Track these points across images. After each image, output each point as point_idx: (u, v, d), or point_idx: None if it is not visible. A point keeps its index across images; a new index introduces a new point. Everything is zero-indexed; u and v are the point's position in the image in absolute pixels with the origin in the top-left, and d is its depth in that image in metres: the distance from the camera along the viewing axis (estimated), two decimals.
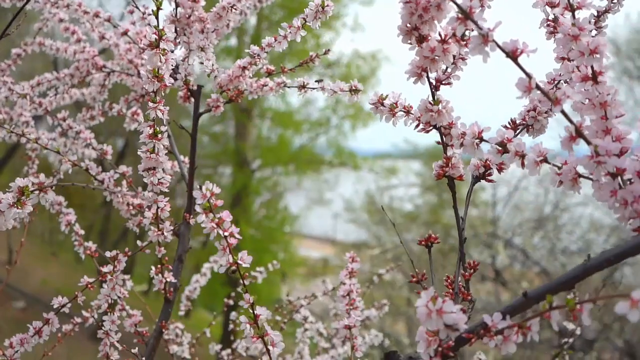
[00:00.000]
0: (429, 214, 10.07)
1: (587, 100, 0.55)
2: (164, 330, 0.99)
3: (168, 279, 0.97)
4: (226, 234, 0.62)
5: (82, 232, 1.09)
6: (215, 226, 0.62)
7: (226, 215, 0.63)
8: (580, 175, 0.54)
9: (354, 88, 0.85)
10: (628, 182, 0.52)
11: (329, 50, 1.00)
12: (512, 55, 0.50)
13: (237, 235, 0.63)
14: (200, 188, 0.61)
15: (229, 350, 1.34)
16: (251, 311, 0.65)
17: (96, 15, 1.09)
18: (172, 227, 0.90)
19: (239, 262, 0.63)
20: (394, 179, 10.95)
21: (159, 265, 0.96)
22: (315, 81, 0.96)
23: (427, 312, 0.49)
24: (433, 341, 0.53)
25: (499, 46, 0.50)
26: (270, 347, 0.64)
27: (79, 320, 1.13)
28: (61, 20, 1.19)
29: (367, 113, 12.21)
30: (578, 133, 0.52)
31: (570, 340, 1.17)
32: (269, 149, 11.66)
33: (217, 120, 11.76)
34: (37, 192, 0.67)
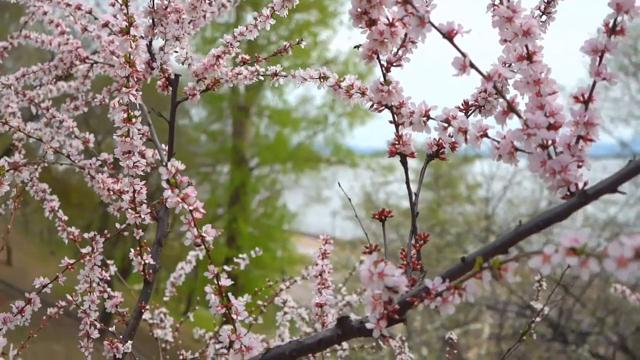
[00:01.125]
0: (426, 211, 10.11)
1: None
2: (143, 310, 1.02)
3: (147, 261, 1.00)
4: (191, 208, 0.65)
5: (65, 217, 1.13)
6: (180, 201, 0.65)
7: (191, 191, 0.66)
8: (516, 149, 0.58)
9: (322, 76, 0.88)
10: (561, 154, 0.56)
11: (302, 40, 1.04)
12: (448, 36, 0.54)
13: (202, 210, 0.66)
14: (166, 165, 0.64)
15: (211, 333, 1.38)
16: (216, 282, 0.68)
17: (78, 7, 1.13)
18: (149, 210, 0.94)
19: (203, 234, 0.66)
20: (391, 176, 11.00)
21: (137, 248, 0.99)
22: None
23: (369, 275, 0.53)
24: (378, 304, 0.57)
25: (435, 27, 0.54)
26: (234, 316, 0.68)
27: (63, 303, 1.17)
28: (45, 13, 1.22)
29: (365, 111, 12.25)
30: (510, 108, 0.55)
31: (538, 319, 1.21)
32: (267, 147, 11.71)
33: (215, 118, 11.82)
34: (11, 171, 0.71)
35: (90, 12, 1.13)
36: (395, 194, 10.65)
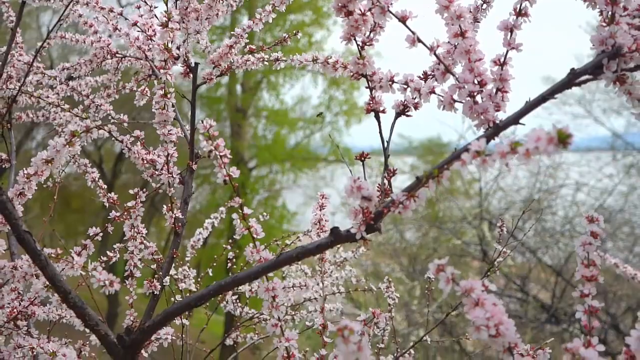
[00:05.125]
0: (425, 206, 10.33)
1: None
2: (175, 256, 1.25)
3: (177, 215, 1.23)
4: (221, 154, 0.88)
5: (105, 186, 1.35)
6: (213, 148, 0.88)
7: (221, 142, 0.89)
8: (454, 100, 0.80)
9: (314, 58, 1.11)
10: (484, 102, 0.79)
11: (298, 31, 1.26)
12: (402, 19, 0.77)
13: (229, 155, 0.89)
14: (202, 121, 0.87)
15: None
16: (240, 211, 0.91)
17: (110, 10, 1.35)
18: (179, 171, 1.17)
19: (231, 173, 0.89)
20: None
21: (169, 204, 1.22)
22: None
23: (350, 188, 0.75)
24: (358, 212, 0.79)
25: (393, 14, 0.76)
26: (255, 236, 0.91)
27: (104, 258, 1.39)
28: (80, 16, 1.45)
29: (361, 109, 12.51)
30: (447, 70, 0.78)
31: (501, 259, 1.43)
32: (265, 147, 11.94)
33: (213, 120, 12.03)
34: (84, 133, 0.93)
35: (121, 14, 1.36)
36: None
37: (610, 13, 0.69)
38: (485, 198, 7.04)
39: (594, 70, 0.69)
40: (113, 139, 1.26)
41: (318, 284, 1.51)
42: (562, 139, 0.53)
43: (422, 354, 6.79)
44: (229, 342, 1.66)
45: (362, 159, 0.92)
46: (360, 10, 0.82)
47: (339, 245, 1.72)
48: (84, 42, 1.48)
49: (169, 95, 1.03)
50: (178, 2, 1.21)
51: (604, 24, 0.70)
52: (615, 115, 9.31)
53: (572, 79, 0.70)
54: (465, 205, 8.42)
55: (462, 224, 6.97)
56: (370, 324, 0.91)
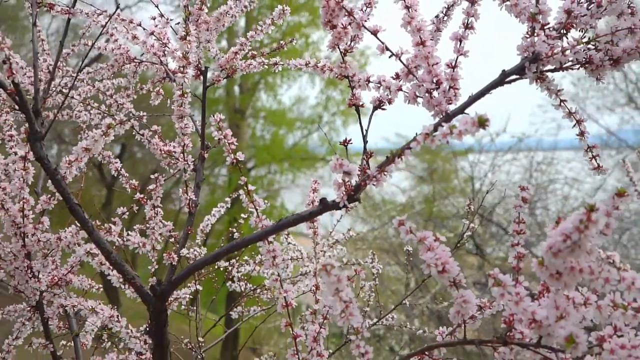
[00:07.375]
0: (423, 204, 10.53)
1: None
2: (189, 232, 1.45)
3: (191, 197, 1.43)
4: (229, 141, 1.09)
5: (127, 175, 1.56)
6: (222, 137, 1.09)
7: (229, 131, 1.10)
8: (417, 95, 1.01)
9: (307, 62, 1.31)
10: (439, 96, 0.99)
11: (293, 39, 1.47)
12: (374, 32, 0.97)
13: (235, 143, 1.10)
14: (213, 115, 1.08)
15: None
16: (245, 188, 1.12)
17: (131, 21, 1.56)
18: (193, 159, 1.37)
19: (237, 157, 1.10)
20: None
21: (184, 187, 1.43)
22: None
23: (335, 165, 0.96)
24: (341, 185, 1.00)
25: (366, 28, 0.97)
26: (257, 208, 1.11)
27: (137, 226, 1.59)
28: (103, 26, 1.65)
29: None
30: (409, 72, 0.99)
31: (468, 233, 1.64)
32: (263, 147, 12.14)
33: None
34: (118, 125, 1.14)
35: (139, 24, 1.56)
36: (389, 188, 11.07)
37: (531, 27, 0.90)
38: (477, 193, 7.26)
39: (519, 71, 0.90)
40: (134, 132, 1.46)
41: (312, 262, 1.72)
42: (481, 122, 0.74)
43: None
44: (234, 315, 1.87)
45: (345, 144, 1.13)
46: (342, 24, 1.03)
47: (332, 230, 1.93)
48: (105, 49, 1.68)
49: (185, 95, 1.24)
50: (191, 15, 1.42)
51: (527, 35, 0.91)
52: (608, 113, 9.54)
53: (503, 78, 0.91)
54: (459, 200, 8.64)
55: (456, 219, 7.18)
56: (352, 278, 1.12)
